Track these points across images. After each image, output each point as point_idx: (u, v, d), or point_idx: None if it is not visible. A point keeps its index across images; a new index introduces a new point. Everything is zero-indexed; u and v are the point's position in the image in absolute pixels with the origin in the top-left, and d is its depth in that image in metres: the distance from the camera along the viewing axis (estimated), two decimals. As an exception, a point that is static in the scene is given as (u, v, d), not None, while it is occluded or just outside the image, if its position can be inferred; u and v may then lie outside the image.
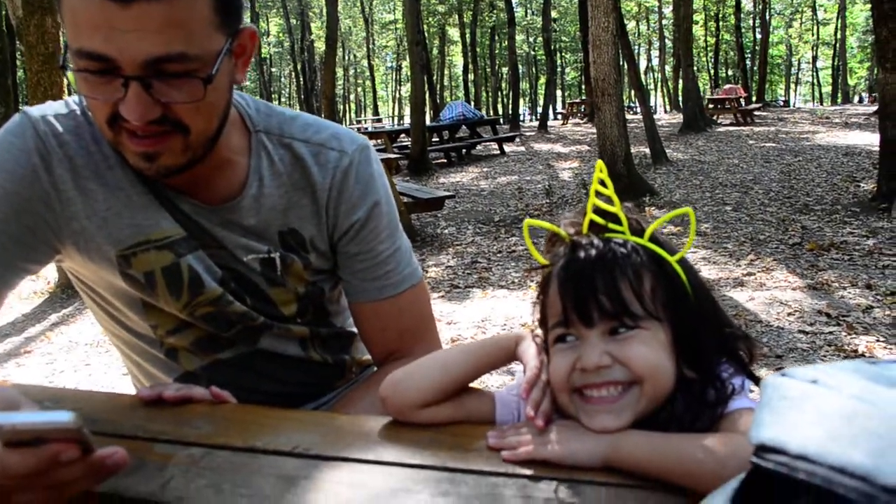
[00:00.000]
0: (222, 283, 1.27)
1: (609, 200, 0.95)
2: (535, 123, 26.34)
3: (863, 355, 4.06)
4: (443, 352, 1.10)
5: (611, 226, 0.94)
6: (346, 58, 51.07)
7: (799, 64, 61.79)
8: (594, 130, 13.62)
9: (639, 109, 16.39)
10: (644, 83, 15.22)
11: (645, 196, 9.73)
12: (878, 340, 4.29)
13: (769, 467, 0.55)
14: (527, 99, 51.81)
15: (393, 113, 57.70)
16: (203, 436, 1.00)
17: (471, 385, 1.06)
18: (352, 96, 58.46)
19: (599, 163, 1.00)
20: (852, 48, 52.70)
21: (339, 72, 45.99)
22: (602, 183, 0.96)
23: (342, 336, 1.47)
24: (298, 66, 44.07)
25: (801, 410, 0.56)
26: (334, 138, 1.30)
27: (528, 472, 0.86)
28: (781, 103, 40.86)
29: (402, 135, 18.84)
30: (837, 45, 46.92)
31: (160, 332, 1.32)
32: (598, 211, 0.95)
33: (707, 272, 6.15)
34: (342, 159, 1.29)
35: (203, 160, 1.15)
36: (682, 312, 0.91)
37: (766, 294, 5.43)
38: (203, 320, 1.29)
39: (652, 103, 16.01)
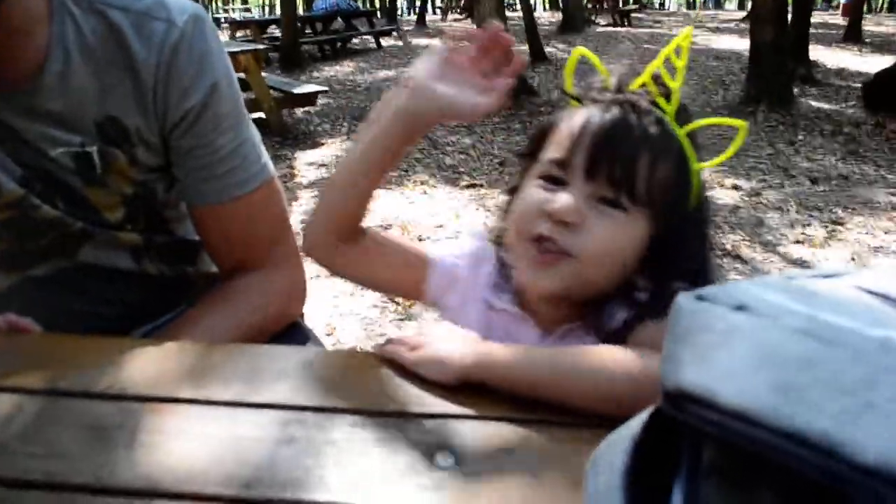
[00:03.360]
0: (24, 184, 1.04)
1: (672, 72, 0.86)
2: (414, 18, 25.56)
3: (730, 254, 4.20)
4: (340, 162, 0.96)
5: (659, 100, 0.84)
6: (214, -60, 47.51)
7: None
8: (473, 26, 13.29)
9: (518, 6, 16.13)
10: (525, -21, 14.94)
11: (524, 94, 9.64)
12: (743, 240, 4.45)
13: (691, 422, 0.44)
14: (406, -8, 50.19)
15: (263, 2, 54.63)
16: (-9, 375, 0.80)
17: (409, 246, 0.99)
18: (221, -17, 54.72)
19: (689, 29, 0.88)
20: (724, -48, 53.72)
21: (206, -45, 42.75)
22: (678, 53, 0.85)
23: (184, 245, 1.26)
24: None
25: (731, 349, 0.44)
26: (160, 6, 1.06)
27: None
28: (661, 6, 41.46)
29: (273, 25, 17.77)
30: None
31: (-48, 246, 1.08)
32: (656, 79, 0.85)
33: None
34: (171, 32, 1.05)
35: None
36: (674, 220, 0.84)
37: (640, 194, 5.52)
38: (4, 229, 1.06)
39: (531, 1, 15.78)
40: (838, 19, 21.07)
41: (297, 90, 7.73)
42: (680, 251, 0.84)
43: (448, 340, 0.79)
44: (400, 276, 0.96)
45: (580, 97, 0.89)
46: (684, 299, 0.51)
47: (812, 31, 10.91)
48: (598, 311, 0.85)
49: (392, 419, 0.71)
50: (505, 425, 0.70)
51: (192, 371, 0.82)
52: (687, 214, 0.85)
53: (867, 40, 15.22)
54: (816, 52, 11.40)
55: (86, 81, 1.03)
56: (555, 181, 0.83)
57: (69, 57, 1.01)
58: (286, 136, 7.47)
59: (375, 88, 11.52)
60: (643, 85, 0.85)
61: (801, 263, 4.09)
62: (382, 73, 13.01)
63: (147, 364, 0.84)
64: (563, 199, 0.80)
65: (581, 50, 0.90)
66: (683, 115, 0.85)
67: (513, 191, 0.91)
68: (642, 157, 0.80)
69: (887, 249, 4.35)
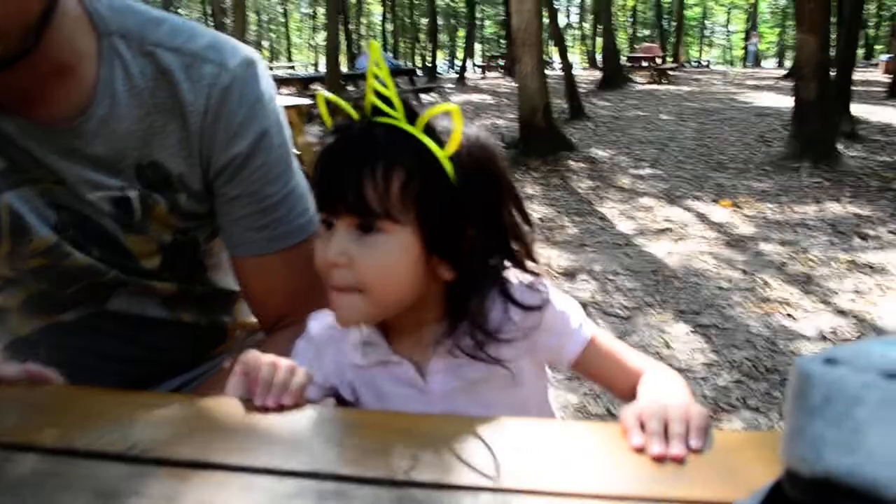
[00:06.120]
0: (58, 230, 0.99)
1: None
2: (454, 76, 25.94)
3: (779, 310, 4.05)
4: None
5: (385, 109, 0.82)
6: (259, 2, 49.08)
7: (713, 27, 63.02)
8: (513, 84, 13.42)
9: (557, 65, 16.27)
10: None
11: (563, 150, 9.62)
12: (792, 296, 4.29)
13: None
14: (446, 52, 51.13)
15: (308, 61, 56.07)
16: (5, 431, 0.73)
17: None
18: (265, 43, 56.23)
19: (373, 43, 0.87)
20: (764, 13, 53.94)
21: (252, 16, 44.19)
22: (377, 65, 0.83)
23: (222, 294, 1.20)
24: (207, 10, 42.04)
25: (889, 429, 0.35)
26: (212, 48, 1.02)
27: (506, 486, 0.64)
28: (697, 64, 41.67)
29: (317, 83, 18.18)
30: (751, 8, 47.96)
31: (-20, 290, 1.03)
32: (381, 95, 0.83)
33: (625, 227, 6.09)
34: (221, 75, 1.00)
35: (25, 62, 0.87)
36: (441, 213, 0.82)
37: (684, 249, 5.39)
38: (34, 276, 1.01)
39: (570, 60, 15.86)
40: (879, 76, 20.88)
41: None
42: (457, 238, 0.83)
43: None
44: None
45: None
46: (811, 364, 0.42)
47: (854, 88, 10.75)
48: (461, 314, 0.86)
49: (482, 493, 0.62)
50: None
51: (224, 432, 0.74)
52: (450, 203, 0.82)
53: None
54: (859, 109, 11.23)
55: (131, 125, 0.98)
56: (327, 225, 0.83)
57: (116, 101, 0.97)
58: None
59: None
60: (372, 108, 0.83)
61: (857, 320, 3.92)
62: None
63: (174, 422, 0.76)
64: (330, 244, 0.81)
65: (324, 95, 0.88)
66: (412, 113, 0.82)
67: None
68: (368, 173, 0.79)
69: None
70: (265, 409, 0.76)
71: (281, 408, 0.77)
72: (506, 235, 0.87)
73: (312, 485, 0.63)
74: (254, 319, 1.21)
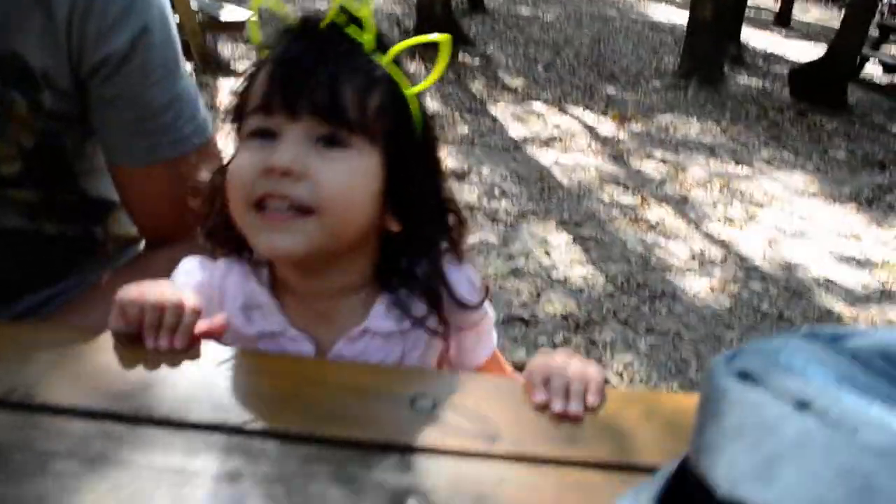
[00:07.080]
0: None
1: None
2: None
3: (654, 228, 4.24)
4: None
5: (352, 29, 0.75)
6: None
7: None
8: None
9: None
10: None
11: (459, 44, 9.46)
12: (668, 215, 4.50)
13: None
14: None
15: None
16: None
17: None
18: None
19: None
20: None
21: None
22: None
23: (96, 203, 1.10)
24: None
25: (804, 467, 0.36)
26: None
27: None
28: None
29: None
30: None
31: None
32: (346, 11, 0.75)
33: (515, 131, 6.12)
34: None
35: None
36: (404, 148, 0.77)
37: (570, 159, 5.50)
38: None
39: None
40: (769, 2, 21.52)
41: (224, 16, 7.30)
42: (416, 183, 0.78)
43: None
44: None
45: (272, 46, 0.79)
46: (725, 379, 0.44)
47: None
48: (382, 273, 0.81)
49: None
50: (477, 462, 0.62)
51: (118, 376, 0.70)
52: (414, 144, 0.78)
53: (794, 27, 15.63)
54: (746, 34, 11.58)
55: None
56: (265, 135, 0.73)
57: None
58: (207, 62, 7.04)
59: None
60: (333, 22, 0.76)
61: (723, 245, 4.17)
62: (313, 6, 12.56)
63: (54, 362, 0.71)
64: (278, 150, 0.71)
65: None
66: (383, 43, 0.77)
67: (222, 170, 0.80)
68: (344, 84, 0.72)
69: (802, 235, 4.49)
70: (157, 351, 0.72)
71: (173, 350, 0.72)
72: (442, 203, 0.83)
73: (217, 438, 0.61)
74: (132, 231, 1.13)
